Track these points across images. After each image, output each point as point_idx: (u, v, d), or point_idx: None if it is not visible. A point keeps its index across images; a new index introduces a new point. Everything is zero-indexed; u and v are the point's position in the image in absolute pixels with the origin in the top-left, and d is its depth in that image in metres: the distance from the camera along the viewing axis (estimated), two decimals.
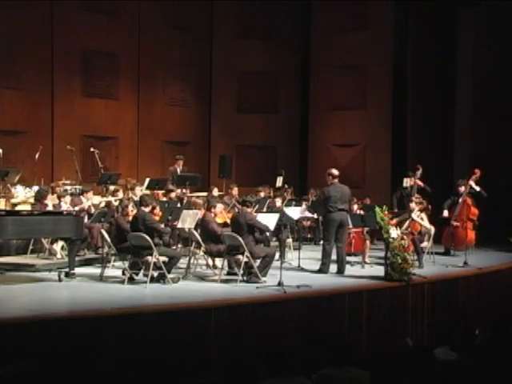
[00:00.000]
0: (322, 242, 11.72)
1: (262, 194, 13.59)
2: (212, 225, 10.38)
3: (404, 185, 13.54)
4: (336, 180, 10.93)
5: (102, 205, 12.19)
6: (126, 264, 9.93)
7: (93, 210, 11.63)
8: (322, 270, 10.88)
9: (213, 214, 10.65)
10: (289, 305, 8.97)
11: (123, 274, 9.97)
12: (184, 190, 13.72)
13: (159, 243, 9.88)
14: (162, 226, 10.31)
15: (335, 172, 10.99)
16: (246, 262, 9.91)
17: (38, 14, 14.92)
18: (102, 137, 16.04)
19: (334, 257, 10.99)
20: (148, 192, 12.95)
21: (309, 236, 14.86)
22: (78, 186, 12.98)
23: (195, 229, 10.71)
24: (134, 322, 7.76)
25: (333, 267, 10.94)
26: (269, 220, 10.40)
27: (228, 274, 10.40)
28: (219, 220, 10.92)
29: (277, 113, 18.44)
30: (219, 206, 10.96)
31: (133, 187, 12.83)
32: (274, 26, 18.09)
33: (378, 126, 17.01)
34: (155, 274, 9.74)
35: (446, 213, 13.04)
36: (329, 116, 17.88)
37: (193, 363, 7.90)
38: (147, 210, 10.08)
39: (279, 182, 15.26)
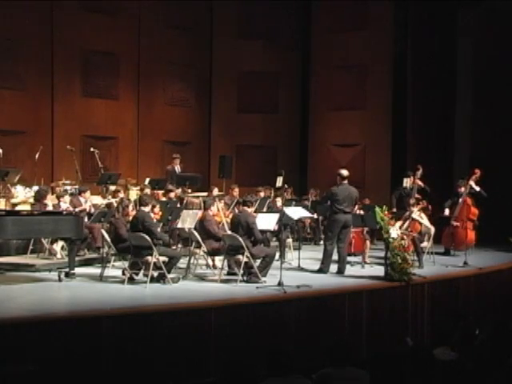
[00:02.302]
0: (322, 242, 11.70)
1: (262, 194, 13.60)
2: (213, 226, 10.44)
3: (404, 185, 13.54)
4: (345, 181, 10.84)
5: (103, 206, 12.19)
6: (126, 264, 9.93)
7: (93, 210, 11.64)
8: (322, 269, 10.87)
9: (211, 213, 10.68)
10: (289, 305, 8.96)
11: (123, 274, 9.97)
12: (189, 190, 13.72)
13: (159, 243, 9.88)
14: (159, 229, 10.31)
15: (344, 173, 10.89)
16: (245, 262, 9.91)
17: (37, 14, 14.92)
18: (102, 137, 16.04)
19: (334, 257, 11.00)
20: (149, 192, 12.94)
21: (309, 236, 14.86)
22: (77, 186, 12.97)
23: (195, 229, 10.72)
24: (134, 322, 7.76)
25: (333, 267, 10.95)
26: (269, 220, 10.40)
27: (228, 274, 10.40)
28: (217, 219, 10.95)
29: (277, 113, 18.44)
30: (215, 205, 10.97)
31: (143, 188, 12.88)
32: (273, 26, 18.07)
33: (377, 126, 17.00)
34: (155, 274, 9.74)
35: (447, 211, 13.03)
36: (329, 116, 17.87)
37: (193, 363, 7.90)
38: (147, 209, 10.08)
39: (279, 182, 15.24)
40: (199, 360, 7.97)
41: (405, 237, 10.27)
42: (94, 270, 10.59)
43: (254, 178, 16.43)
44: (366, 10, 17.23)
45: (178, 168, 14.84)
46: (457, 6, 16.31)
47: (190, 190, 13.85)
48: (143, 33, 16.73)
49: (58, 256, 11.12)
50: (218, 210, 11.16)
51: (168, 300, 8.66)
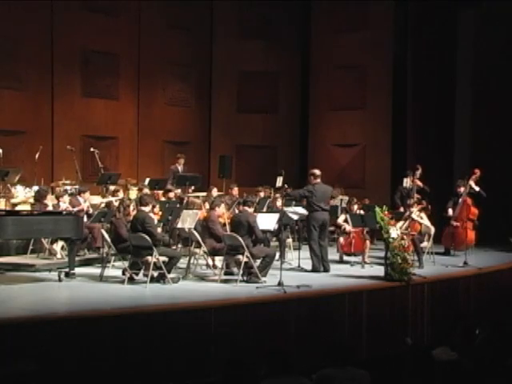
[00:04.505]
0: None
1: (262, 194, 13.60)
2: (217, 227, 10.45)
3: (404, 184, 13.54)
4: (319, 180, 11.11)
5: (103, 205, 12.18)
6: (126, 264, 9.93)
7: (91, 211, 11.64)
8: (314, 269, 10.94)
9: (216, 214, 10.67)
10: (289, 305, 8.96)
11: (123, 273, 9.97)
12: (190, 190, 13.70)
13: (159, 243, 9.87)
14: (160, 229, 10.30)
15: (318, 172, 11.20)
16: (245, 262, 9.91)
17: (37, 13, 14.91)
18: (102, 137, 16.04)
19: (333, 257, 11.03)
20: (148, 192, 12.94)
21: None
22: (77, 187, 12.97)
23: (195, 228, 10.71)
24: (133, 322, 7.76)
25: (332, 267, 11.00)
26: (269, 220, 10.41)
27: (225, 273, 10.37)
28: (221, 220, 10.94)
29: (277, 113, 18.45)
30: (222, 206, 10.97)
31: (141, 188, 12.86)
32: (274, 26, 18.09)
33: (377, 126, 17.01)
34: (155, 273, 9.74)
35: (450, 211, 13.02)
36: (329, 116, 17.88)
37: (193, 363, 7.90)
38: (147, 209, 10.08)
39: (279, 181, 15.24)
40: (199, 360, 7.97)
41: (405, 237, 10.27)
42: (94, 270, 10.59)
43: (254, 178, 16.42)
44: (366, 10, 17.23)
45: (181, 168, 14.83)
46: (457, 6, 16.30)
47: (190, 190, 13.82)
48: (143, 33, 16.73)
49: (58, 256, 11.12)
50: (223, 213, 11.14)
51: (168, 300, 8.66)
